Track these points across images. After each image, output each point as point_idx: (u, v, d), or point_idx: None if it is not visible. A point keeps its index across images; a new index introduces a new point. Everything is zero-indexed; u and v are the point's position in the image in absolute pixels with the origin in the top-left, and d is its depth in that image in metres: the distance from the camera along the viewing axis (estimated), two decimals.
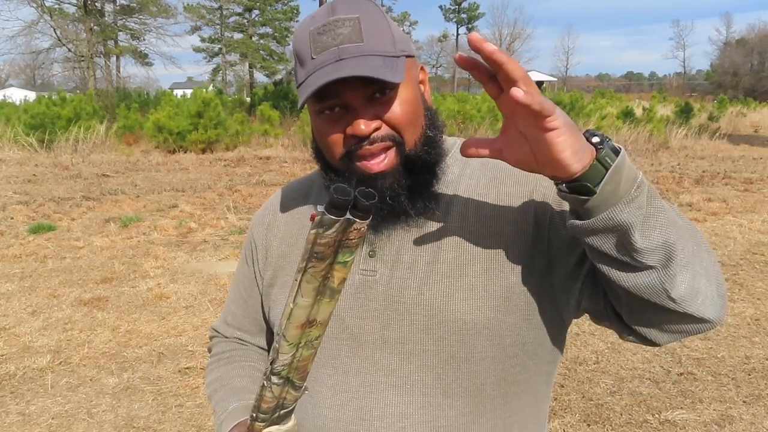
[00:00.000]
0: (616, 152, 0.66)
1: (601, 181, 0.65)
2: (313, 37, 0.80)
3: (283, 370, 0.69)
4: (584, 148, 0.65)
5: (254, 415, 0.74)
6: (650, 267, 0.69)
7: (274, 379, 0.70)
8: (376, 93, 0.79)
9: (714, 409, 2.96)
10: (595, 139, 0.67)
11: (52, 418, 2.95)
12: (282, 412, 0.74)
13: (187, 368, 3.48)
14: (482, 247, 0.85)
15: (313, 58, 0.80)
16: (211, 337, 1.13)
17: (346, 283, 0.66)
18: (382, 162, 0.81)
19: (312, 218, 0.58)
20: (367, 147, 0.80)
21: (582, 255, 0.82)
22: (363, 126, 0.78)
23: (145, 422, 2.92)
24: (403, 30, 0.88)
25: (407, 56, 0.83)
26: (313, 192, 1.00)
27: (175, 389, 3.24)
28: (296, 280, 0.62)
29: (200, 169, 11.48)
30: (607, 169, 0.65)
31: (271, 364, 0.69)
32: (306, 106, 0.84)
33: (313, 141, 0.90)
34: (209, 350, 1.12)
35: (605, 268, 0.72)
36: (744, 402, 3.04)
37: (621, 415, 2.93)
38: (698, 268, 0.71)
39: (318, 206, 0.58)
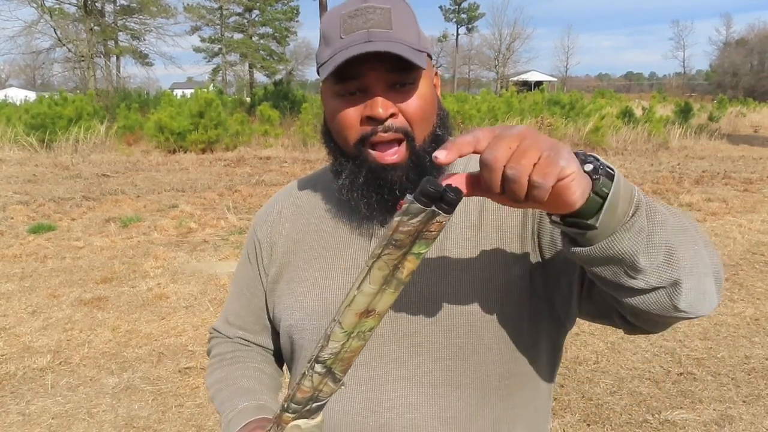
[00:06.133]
0: (610, 176, 0.61)
1: (598, 212, 0.61)
2: (343, 20, 0.82)
3: (329, 359, 0.67)
4: (585, 181, 0.60)
5: (285, 405, 0.73)
6: (656, 288, 0.66)
7: (318, 367, 0.68)
8: (397, 83, 0.81)
9: (714, 409, 2.96)
10: (589, 167, 0.61)
11: (52, 418, 2.95)
12: (314, 405, 0.72)
13: (187, 368, 3.48)
14: (485, 241, 0.87)
15: (341, 38, 0.81)
16: (210, 338, 1.12)
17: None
18: (394, 154, 0.83)
19: (399, 206, 0.59)
20: (381, 134, 0.82)
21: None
22: (381, 108, 0.80)
23: (145, 422, 2.92)
24: None
25: (428, 56, 0.86)
26: (318, 189, 1.00)
27: (175, 389, 3.25)
28: (367, 266, 0.62)
29: (200, 169, 11.48)
30: (603, 198, 0.61)
31: (318, 351, 0.68)
32: (321, 90, 0.85)
33: (324, 125, 0.90)
34: (208, 352, 1.11)
35: (608, 290, 0.70)
36: (744, 402, 3.04)
37: (621, 415, 2.93)
38: (701, 268, 0.69)
39: (407, 195, 0.59)
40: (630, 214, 0.62)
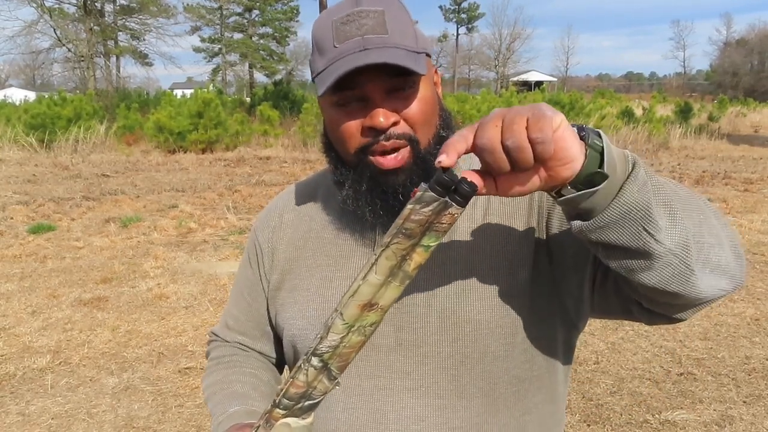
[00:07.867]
0: (596, 134, 0.62)
1: (601, 166, 0.61)
2: (335, 26, 0.79)
3: (327, 352, 0.66)
4: (574, 135, 0.61)
5: (277, 400, 0.71)
6: (672, 252, 0.64)
7: (314, 360, 0.66)
8: (396, 88, 0.79)
9: (714, 409, 2.96)
10: (573, 127, 0.62)
11: (52, 419, 2.95)
12: (306, 403, 0.70)
13: (187, 368, 3.48)
14: (490, 245, 0.86)
15: (335, 47, 0.78)
16: (209, 342, 1.11)
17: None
18: (396, 158, 0.80)
19: (413, 194, 0.59)
20: (383, 142, 0.79)
21: (579, 247, 0.80)
22: (382, 118, 0.77)
23: (145, 422, 2.92)
24: None
25: (426, 55, 0.83)
26: (319, 194, 0.98)
27: (175, 389, 3.24)
28: (374, 255, 0.61)
29: (200, 169, 11.48)
30: (600, 153, 0.61)
31: (317, 344, 0.66)
32: (319, 97, 0.83)
33: (324, 134, 0.88)
34: (207, 354, 1.10)
35: (623, 269, 0.67)
36: (744, 402, 3.04)
37: (621, 415, 2.93)
38: (707, 238, 0.67)
39: (422, 184, 0.59)
40: (629, 170, 0.63)
